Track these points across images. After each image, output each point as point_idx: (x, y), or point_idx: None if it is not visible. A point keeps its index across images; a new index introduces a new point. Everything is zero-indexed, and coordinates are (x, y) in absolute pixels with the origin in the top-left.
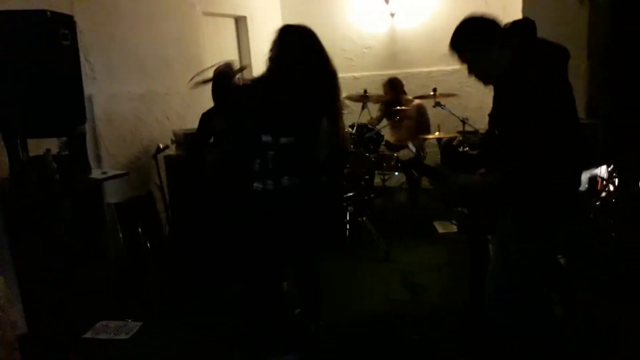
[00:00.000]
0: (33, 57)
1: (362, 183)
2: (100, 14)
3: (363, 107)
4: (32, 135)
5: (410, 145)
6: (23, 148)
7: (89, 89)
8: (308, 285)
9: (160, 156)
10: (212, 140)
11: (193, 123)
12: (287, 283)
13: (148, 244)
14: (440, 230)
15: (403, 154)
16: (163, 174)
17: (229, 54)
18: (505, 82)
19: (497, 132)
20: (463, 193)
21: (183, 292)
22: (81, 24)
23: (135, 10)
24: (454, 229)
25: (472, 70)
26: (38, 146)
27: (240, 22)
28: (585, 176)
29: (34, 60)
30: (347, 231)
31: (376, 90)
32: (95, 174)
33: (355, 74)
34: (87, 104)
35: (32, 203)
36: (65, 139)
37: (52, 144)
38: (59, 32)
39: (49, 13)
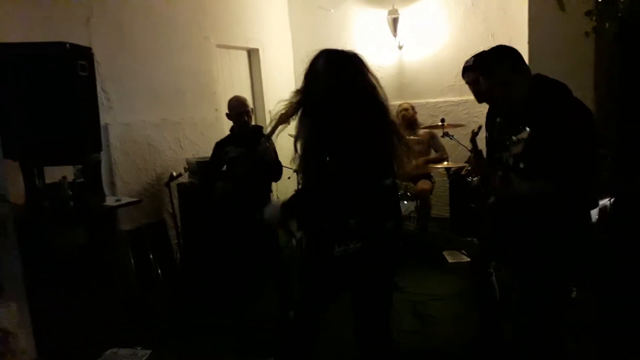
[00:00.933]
0: (52, 87)
1: None
2: (117, 45)
3: None
4: (49, 163)
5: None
6: (39, 175)
7: (105, 117)
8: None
9: (173, 184)
10: (224, 168)
11: (206, 151)
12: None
13: (159, 271)
14: (450, 260)
15: (421, 185)
16: (176, 201)
17: (241, 84)
18: (528, 109)
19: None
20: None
21: (193, 319)
22: (99, 55)
23: (151, 43)
24: (464, 258)
25: (499, 93)
26: (54, 173)
27: (252, 54)
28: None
29: (52, 90)
30: None
31: None
32: (109, 201)
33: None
34: (102, 133)
35: (46, 230)
36: (80, 166)
37: (68, 172)
38: (77, 63)
39: (68, 45)
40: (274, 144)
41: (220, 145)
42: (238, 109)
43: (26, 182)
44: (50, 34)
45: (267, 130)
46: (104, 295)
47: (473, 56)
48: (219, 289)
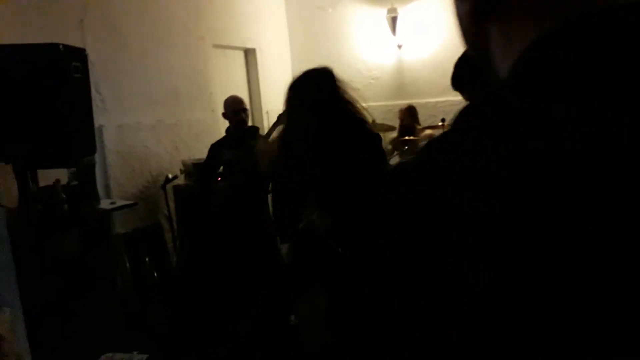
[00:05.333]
0: (45, 89)
1: None
2: (111, 46)
3: None
4: (42, 166)
5: None
6: (33, 179)
7: (99, 119)
8: None
9: (169, 186)
10: (220, 170)
11: (202, 153)
12: (294, 316)
13: (155, 275)
14: None
15: None
16: (172, 204)
17: (238, 85)
18: None
19: None
20: None
21: (190, 323)
22: (93, 56)
23: (146, 43)
24: None
25: None
26: (48, 176)
27: (249, 54)
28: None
29: (45, 92)
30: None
31: (383, 120)
32: (104, 204)
33: (363, 105)
34: (97, 135)
35: (39, 234)
36: (74, 169)
37: (62, 175)
38: (71, 64)
39: (61, 46)
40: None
41: (216, 147)
42: (235, 107)
43: (19, 186)
44: (43, 36)
45: (265, 133)
46: (99, 299)
47: None
48: (216, 293)
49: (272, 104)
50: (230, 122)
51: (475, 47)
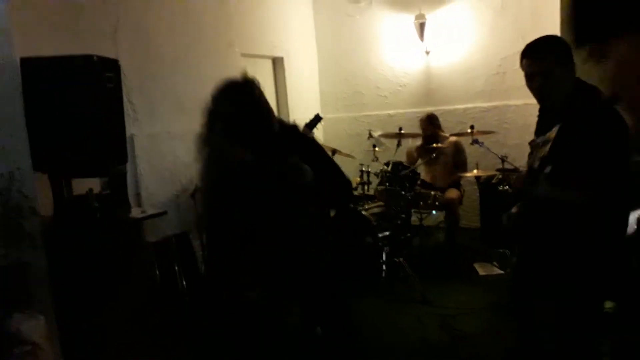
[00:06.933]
0: (79, 100)
1: (398, 222)
2: (143, 56)
3: (398, 145)
4: (76, 175)
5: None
6: (67, 187)
7: (131, 129)
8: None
9: (199, 195)
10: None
11: None
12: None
13: (184, 283)
14: (481, 272)
15: (449, 194)
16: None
17: (266, 93)
18: (569, 109)
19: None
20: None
21: (217, 332)
22: (125, 66)
23: (176, 52)
24: (496, 270)
25: (541, 81)
26: (82, 185)
27: (277, 63)
28: (633, 217)
29: (80, 103)
30: (383, 272)
31: (411, 127)
32: (135, 212)
33: (390, 112)
34: (128, 144)
35: (73, 242)
36: (107, 178)
37: (95, 184)
38: (104, 75)
39: (95, 57)
40: None
41: None
42: None
43: (54, 195)
44: (78, 47)
45: None
46: (129, 306)
47: None
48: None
49: (299, 112)
50: None
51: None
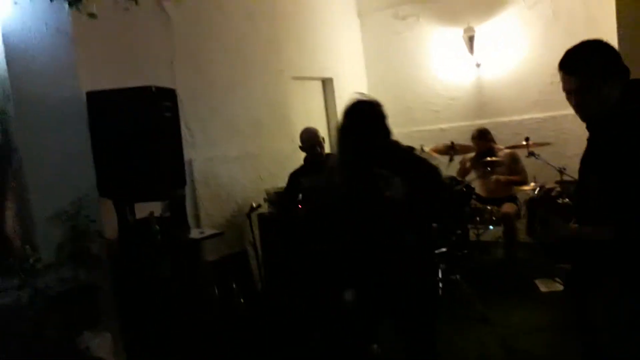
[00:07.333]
0: (140, 129)
1: (454, 238)
2: (200, 84)
3: (450, 159)
4: (138, 199)
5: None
6: (131, 211)
7: (189, 154)
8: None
9: (254, 214)
10: (300, 197)
11: (284, 181)
12: (377, 345)
13: (242, 300)
14: (543, 288)
15: (505, 208)
16: (256, 231)
17: (315, 114)
18: (613, 121)
19: (593, 179)
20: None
21: (274, 352)
22: (182, 94)
23: (231, 79)
24: (559, 287)
25: (577, 98)
26: (144, 209)
27: (327, 84)
28: None
29: (140, 131)
30: (440, 290)
31: (464, 141)
32: (194, 233)
33: (442, 126)
34: (187, 168)
35: (136, 263)
36: (167, 201)
37: (156, 207)
38: (162, 104)
39: (153, 88)
40: None
41: (295, 176)
42: (310, 142)
43: (119, 219)
44: (138, 78)
45: None
46: (189, 324)
47: None
48: (299, 320)
49: None
50: (307, 154)
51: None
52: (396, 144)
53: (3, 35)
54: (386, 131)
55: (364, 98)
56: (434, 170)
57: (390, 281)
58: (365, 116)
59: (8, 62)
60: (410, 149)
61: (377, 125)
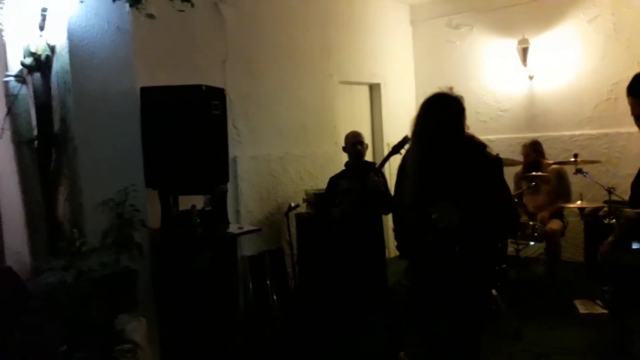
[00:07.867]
0: (188, 125)
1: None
2: (249, 85)
3: None
4: (183, 192)
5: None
6: (174, 203)
7: (234, 151)
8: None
9: (292, 214)
10: (338, 200)
11: (324, 184)
12: (404, 353)
13: (275, 297)
14: (582, 310)
15: (551, 225)
16: (293, 230)
17: (361, 118)
18: None
19: None
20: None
21: (304, 347)
22: (232, 94)
23: (279, 82)
24: (598, 309)
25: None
26: (187, 201)
27: (374, 89)
28: None
29: (188, 127)
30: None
31: (511, 154)
32: (233, 228)
33: (490, 137)
34: (231, 165)
35: (176, 253)
36: (209, 196)
37: (198, 200)
38: (211, 103)
39: (204, 87)
40: (385, 177)
41: (335, 179)
42: (352, 139)
43: (163, 210)
44: (191, 76)
45: (378, 164)
46: (224, 316)
47: None
48: (329, 323)
49: (393, 137)
50: (348, 155)
51: None
52: (470, 139)
53: (68, 32)
54: (460, 126)
55: (444, 91)
56: (500, 185)
57: (440, 284)
58: (439, 109)
59: (71, 57)
60: (483, 147)
61: (450, 120)
